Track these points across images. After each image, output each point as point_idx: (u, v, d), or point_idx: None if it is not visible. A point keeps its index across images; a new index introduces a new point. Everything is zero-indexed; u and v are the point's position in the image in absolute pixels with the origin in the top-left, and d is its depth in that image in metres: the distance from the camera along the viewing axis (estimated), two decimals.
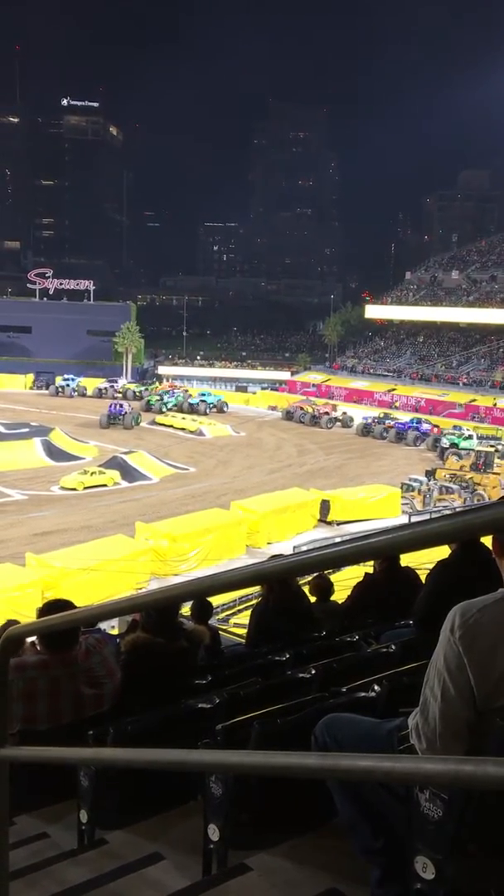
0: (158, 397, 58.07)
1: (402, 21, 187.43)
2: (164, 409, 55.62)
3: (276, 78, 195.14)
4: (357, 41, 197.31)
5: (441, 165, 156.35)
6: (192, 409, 57.07)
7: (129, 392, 60.61)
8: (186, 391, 62.56)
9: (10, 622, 4.81)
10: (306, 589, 7.40)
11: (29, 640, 4.71)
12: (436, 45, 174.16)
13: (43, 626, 3.12)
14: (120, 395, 59.04)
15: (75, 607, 3.38)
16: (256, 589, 9.25)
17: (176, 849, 3.07)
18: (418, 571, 6.09)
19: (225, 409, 60.41)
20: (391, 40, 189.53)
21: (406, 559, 5.61)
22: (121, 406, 51.34)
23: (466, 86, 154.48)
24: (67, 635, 3.94)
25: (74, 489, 32.06)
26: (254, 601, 7.18)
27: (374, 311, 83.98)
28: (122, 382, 65.12)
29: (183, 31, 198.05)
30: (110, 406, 51.74)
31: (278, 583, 5.76)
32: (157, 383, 67.78)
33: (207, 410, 57.61)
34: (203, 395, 61.68)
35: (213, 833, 2.82)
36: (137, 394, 59.94)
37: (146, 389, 61.40)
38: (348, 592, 6.58)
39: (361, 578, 6.40)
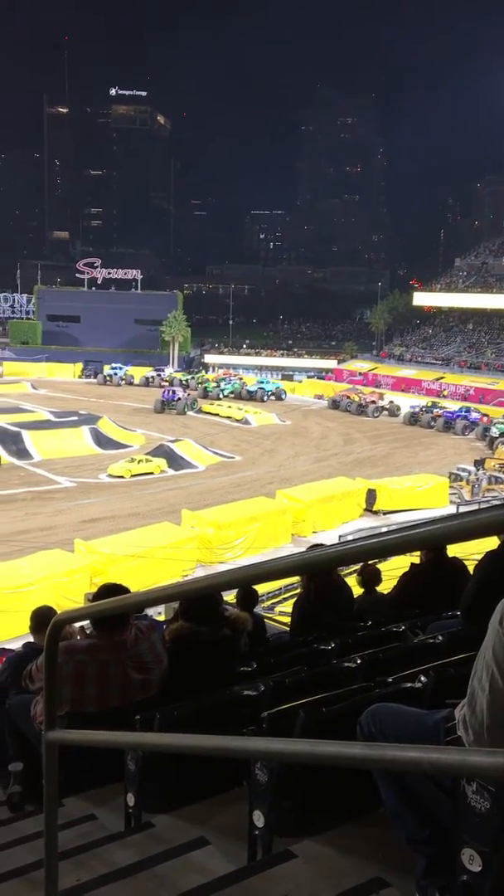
0: (215, 384, 58.64)
1: (450, 5, 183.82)
2: (220, 396, 56.22)
3: (324, 64, 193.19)
4: (406, 25, 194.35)
5: (491, 149, 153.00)
6: (251, 397, 57.56)
7: (176, 381, 61.00)
8: (241, 378, 62.95)
9: (45, 608, 4.91)
10: (354, 579, 7.38)
11: (79, 624, 4.78)
12: (485, 28, 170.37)
13: (93, 611, 3.16)
14: (167, 384, 59.54)
15: (129, 592, 3.42)
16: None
17: (221, 834, 3.10)
18: (466, 562, 6.02)
19: (283, 396, 60.62)
20: (440, 25, 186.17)
21: (454, 549, 5.56)
22: (174, 392, 52.56)
23: None
24: (118, 620, 3.98)
25: (122, 477, 32.37)
26: (299, 590, 7.19)
27: (422, 299, 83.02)
28: (168, 371, 65.52)
29: (230, 19, 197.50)
30: (163, 392, 53.04)
31: (318, 574, 5.74)
32: (204, 372, 68.08)
33: (265, 398, 58.16)
34: (261, 382, 62.18)
35: (259, 819, 2.84)
36: (184, 382, 60.32)
37: (192, 378, 61.75)
38: (394, 583, 6.54)
39: (407, 569, 6.35)
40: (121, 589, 3.80)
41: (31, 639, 5.14)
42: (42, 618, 4.74)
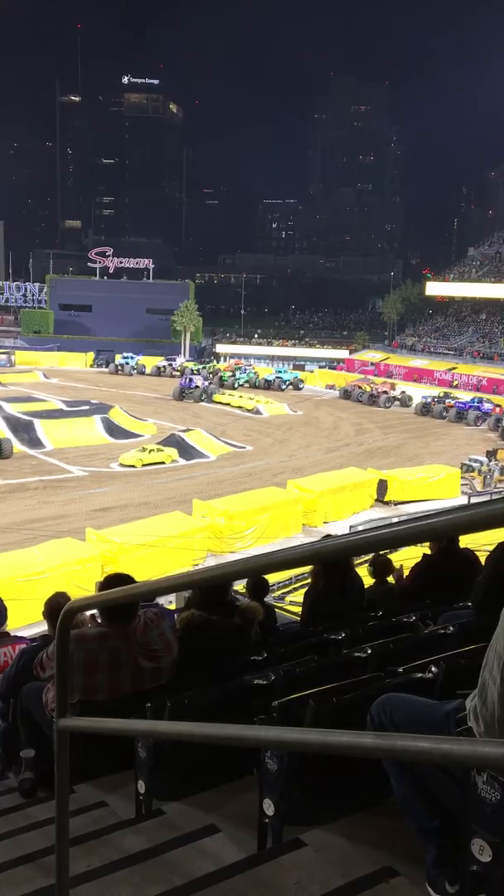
0: (231, 373, 58.96)
1: None
2: (235, 386, 56.55)
3: (337, 52, 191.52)
4: (418, 13, 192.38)
5: None
6: (267, 386, 57.78)
7: (188, 370, 61.11)
8: (254, 368, 63.25)
9: (59, 595, 4.93)
10: (365, 569, 7.37)
11: (89, 612, 4.80)
12: (497, 15, 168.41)
13: (104, 600, 3.17)
14: (178, 374, 59.79)
15: (135, 581, 3.43)
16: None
17: (231, 822, 3.11)
18: (477, 553, 6.00)
19: (300, 386, 60.69)
20: (452, 12, 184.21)
21: (465, 541, 5.54)
22: (191, 380, 53.91)
23: None
24: (127, 609, 4.00)
25: (133, 466, 32.47)
26: (309, 580, 7.20)
27: (435, 288, 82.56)
28: (180, 361, 65.59)
29: (242, 7, 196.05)
30: (181, 380, 54.59)
31: (329, 564, 5.73)
32: (215, 361, 68.10)
33: (283, 387, 58.41)
34: (279, 371, 62.50)
35: (269, 808, 2.85)
36: (195, 372, 60.47)
37: (204, 368, 61.86)
38: (406, 573, 6.53)
39: (419, 559, 6.34)
40: (126, 579, 3.82)
41: (44, 627, 5.17)
42: (55, 608, 4.77)
